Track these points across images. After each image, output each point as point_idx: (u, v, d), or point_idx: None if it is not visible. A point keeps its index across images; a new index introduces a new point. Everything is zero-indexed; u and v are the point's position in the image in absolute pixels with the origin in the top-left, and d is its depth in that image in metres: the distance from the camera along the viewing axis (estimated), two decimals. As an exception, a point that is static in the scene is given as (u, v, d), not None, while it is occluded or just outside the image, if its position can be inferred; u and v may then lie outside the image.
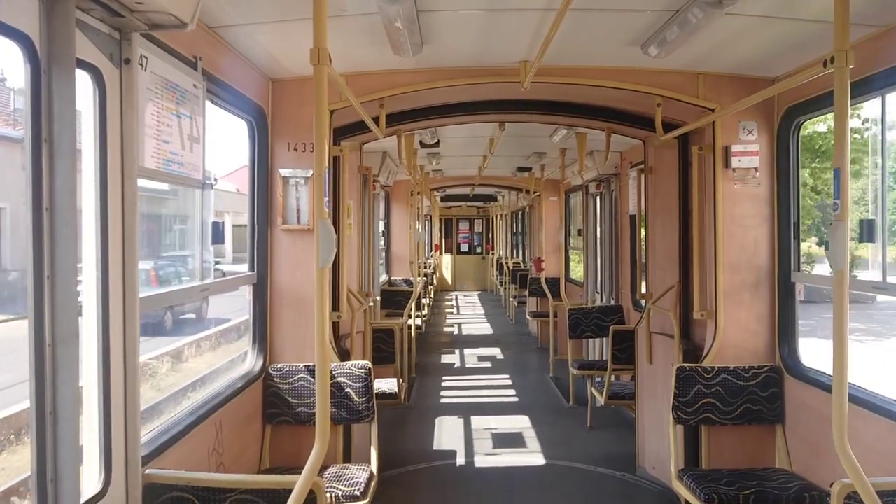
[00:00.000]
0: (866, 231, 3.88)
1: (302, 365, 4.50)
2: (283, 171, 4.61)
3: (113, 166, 2.60)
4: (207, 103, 3.51)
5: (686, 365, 4.59)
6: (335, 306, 4.79)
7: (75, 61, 2.29)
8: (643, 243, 6.76)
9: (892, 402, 3.57)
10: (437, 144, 8.01)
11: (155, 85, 2.91)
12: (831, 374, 3.82)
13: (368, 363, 4.55)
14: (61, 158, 2.22)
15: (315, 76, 2.59)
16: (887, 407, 3.53)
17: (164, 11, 2.49)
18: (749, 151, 4.61)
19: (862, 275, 10.45)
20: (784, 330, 4.58)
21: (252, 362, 4.51)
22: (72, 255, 2.25)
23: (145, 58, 2.80)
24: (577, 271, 11.51)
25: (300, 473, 2.57)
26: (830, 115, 3.27)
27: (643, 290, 6.37)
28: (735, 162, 4.61)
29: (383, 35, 3.77)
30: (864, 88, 3.61)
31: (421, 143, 7.77)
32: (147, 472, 2.80)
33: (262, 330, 4.55)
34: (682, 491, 4.24)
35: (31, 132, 2.18)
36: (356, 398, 4.47)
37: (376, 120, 4.71)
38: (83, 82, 2.48)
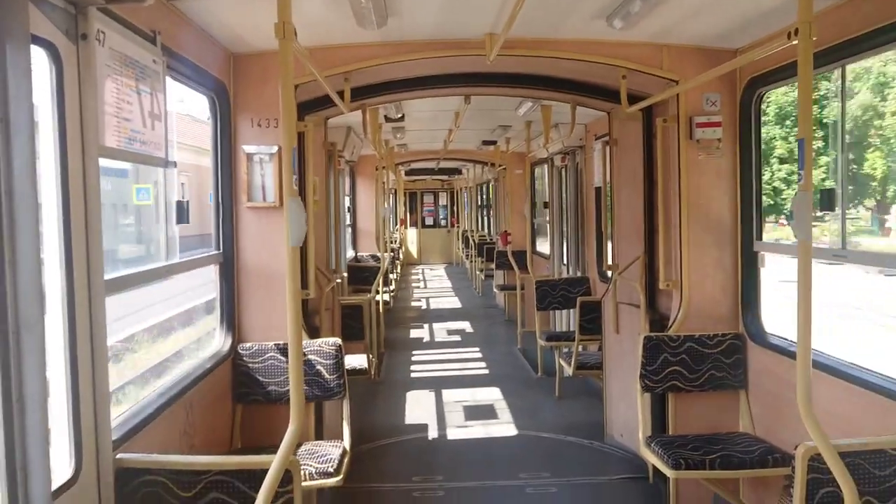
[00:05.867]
0: (827, 200, 3.97)
1: (271, 343, 4.46)
2: (248, 148, 4.53)
3: (73, 146, 2.52)
4: (168, 79, 3.42)
5: (653, 334, 4.67)
6: (303, 284, 4.74)
7: (30, 37, 2.20)
8: (609, 214, 6.82)
9: (849, 365, 3.69)
10: (402, 119, 7.94)
11: (113, 61, 2.82)
12: (791, 339, 3.93)
13: (339, 340, 4.54)
14: (19, 138, 2.14)
15: (280, 51, 2.53)
16: (844, 370, 3.64)
17: None
18: (712, 122, 4.65)
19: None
20: (747, 298, 4.67)
21: (221, 342, 4.46)
22: (33, 239, 2.18)
23: (102, 33, 2.70)
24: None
25: (273, 452, 2.56)
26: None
27: (609, 262, 6.44)
28: (699, 133, 4.65)
29: (347, 7, 3.71)
30: (824, 59, 3.66)
31: (386, 117, 7.70)
32: (118, 456, 2.77)
33: (229, 309, 4.50)
34: (650, 457, 4.34)
35: None
36: (327, 375, 4.46)
37: (341, 94, 4.65)
38: (38, 60, 2.39)
